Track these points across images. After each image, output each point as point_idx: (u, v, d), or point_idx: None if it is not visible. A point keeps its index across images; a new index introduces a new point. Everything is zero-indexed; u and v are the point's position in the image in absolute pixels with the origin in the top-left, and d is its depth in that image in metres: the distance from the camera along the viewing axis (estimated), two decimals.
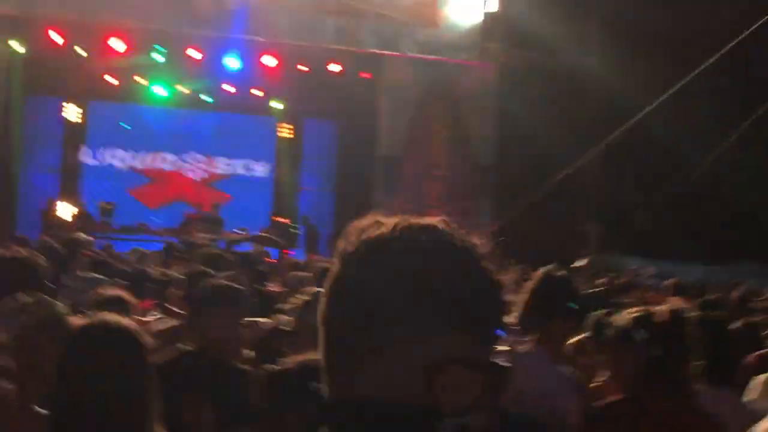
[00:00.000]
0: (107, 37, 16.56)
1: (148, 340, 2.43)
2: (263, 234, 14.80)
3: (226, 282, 3.98)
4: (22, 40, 16.53)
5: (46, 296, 3.46)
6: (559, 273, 3.42)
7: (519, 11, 16.16)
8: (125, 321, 2.49)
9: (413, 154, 17.09)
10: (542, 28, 15.21)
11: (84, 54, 17.55)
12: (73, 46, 16.97)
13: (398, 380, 1.02)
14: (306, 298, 3.84)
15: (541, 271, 3.39)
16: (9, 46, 16.17)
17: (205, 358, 3.55)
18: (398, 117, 17.11)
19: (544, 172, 16.43)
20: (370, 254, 1.09)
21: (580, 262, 10.08)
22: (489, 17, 16.84)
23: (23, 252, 4.50)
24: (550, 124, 15.50)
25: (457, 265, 1.06)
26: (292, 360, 2.51)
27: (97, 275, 6.10)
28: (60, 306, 3.33)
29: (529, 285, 3.41)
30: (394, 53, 16.76)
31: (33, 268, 4.03)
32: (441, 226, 1.10)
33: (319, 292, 3.31)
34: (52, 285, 4.41)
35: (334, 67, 17.59)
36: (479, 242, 1.08)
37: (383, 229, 1.12)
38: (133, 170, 21.86)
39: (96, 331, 2.38)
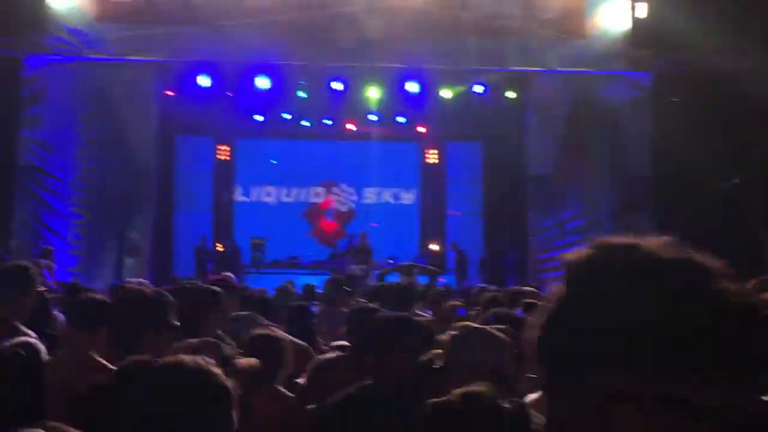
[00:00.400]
0: (252, 77, 17.32)
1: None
2: (413, 264, 14.98)
3: (402, 315, 4.03)
4: (173, 83, 17.53)
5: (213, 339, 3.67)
6: None
7: (669, 15, 15.74)
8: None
9: (565, 170, 16.90)
10: (696, 30, 14.76)
11: (230, 94, 18.46)
12: (219, 87, 17.85)
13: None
14: (455, 332, 3.62)
15: None
16: (160, 90, 17.17)
17: (379, 393, 3.51)
18: (547, 134, 16.99)
19: (705, 180, 15.90)
20: (616, 276, 1.01)
21: None
22: (638, 23, 16.47)
23: (147, 290, 4.81)
24: (708, 131, 15.00)
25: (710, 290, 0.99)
26: (454, 394, 2.46)
27: (250, 313, 6.22)
28: (227, 348, 3.54)
29: None
30: (540, 69, 16.68)
31: (157, 304, 4.22)
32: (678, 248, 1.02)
33: (475, 327, 3.30)
34: (193, 323, 4.57)
35: (478, 89, 17.71)
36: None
37: (636, 251, 1.04)
38: (283, 205, 22.64)
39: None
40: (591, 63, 16.54)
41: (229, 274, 10.43)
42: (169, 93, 17.77)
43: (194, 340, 3.45)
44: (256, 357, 4.02)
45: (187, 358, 2.33)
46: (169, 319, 4.12)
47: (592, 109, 16.84)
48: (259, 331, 4.68)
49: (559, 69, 16.55)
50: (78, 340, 4.29)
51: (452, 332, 3.34)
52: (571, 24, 16.55)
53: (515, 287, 7.67)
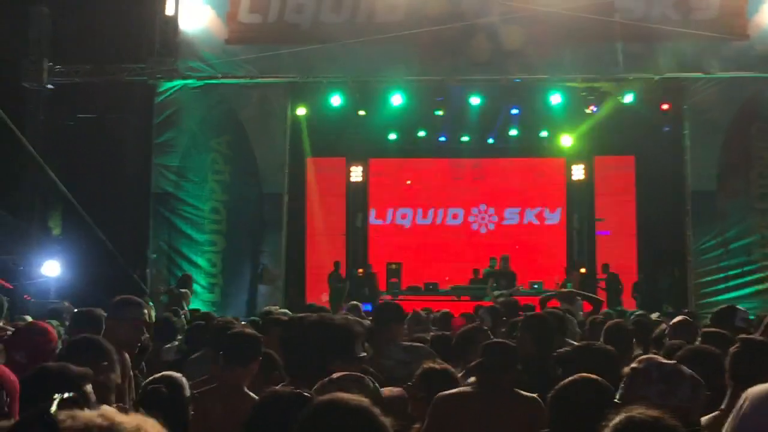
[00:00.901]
0: (385, 94, 17.29)
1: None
2: (572, 290, 14.38)
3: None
4: (304, 104, 17.71)
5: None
6: None
7: None
8: None
9: (729, 185, 16.00)
10: None
11: (364, 113, 18.50)
12: (352, 106, 17.92)
13: None
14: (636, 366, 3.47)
15: None
16: (292, 111, 17.36)
17: None
18: (708, 145, 16.11)
19: None
20: None
21: None
22: None
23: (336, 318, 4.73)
24: None
25: None
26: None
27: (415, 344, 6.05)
28: (368, 380, 3.46)
29: None
30: (699, 74, 15.90)
31: (347, 334, 4.19)
32: None
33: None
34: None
35: (628, 98, 17.07)
36: None
37: None
38: (419, 227, 22.48)
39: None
40: (755, 66, 15.66)
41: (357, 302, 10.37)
42: (301, 113, 17.92)
43: (338, 374, 3.38)
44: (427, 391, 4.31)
45: (346, 396, 2.30)
46: (356, 351, 4.11)
47: (757, 117, 15.92)
48: (431, 365, 4.73)
49: (719, 74, 15.74)
50: (230, 376, 4.56)
51: (633, 365, 3.14)
52: (732, 24, 15.72)
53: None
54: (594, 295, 12.59)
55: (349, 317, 5.54)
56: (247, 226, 16.76)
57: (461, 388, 4.63)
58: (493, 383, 4.58)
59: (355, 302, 9.90)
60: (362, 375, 3.51)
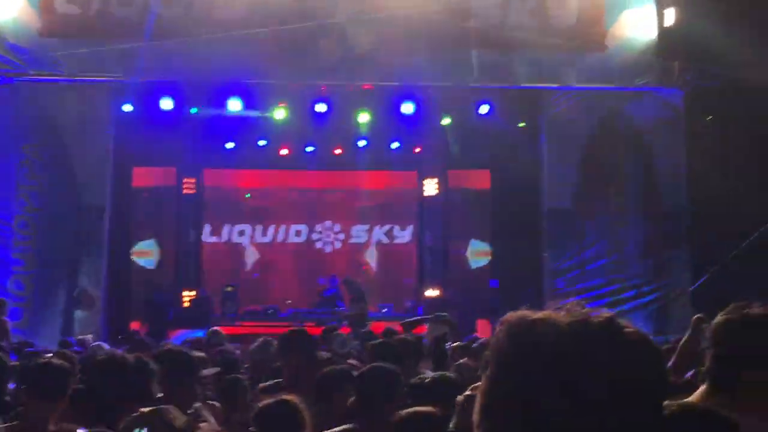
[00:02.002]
0: (222, 98, 17.03)
1: None
2: (444, 315, 14.53)
3: None
4: (131, 108, 17.22)
5: None
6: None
7: (701, 21, 15.61)
8: None
9: (587, 203, 16.63)
10: (732, 38, 14.60)
11: (196, 117, 18.14)
12: (184, 111, 17.56)
13: None
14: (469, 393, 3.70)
15: None
16: (116, 115, 16.84)
17: None
18: (565, 160, 16.72)
19: (746, 214, 15.65)
20: None
21: None
22: (666, 33, 16.30)
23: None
24: (751, 155, 14.80)
25: None
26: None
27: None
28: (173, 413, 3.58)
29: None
30: (556, 86, 16.46)
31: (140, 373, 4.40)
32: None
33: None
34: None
35: (484, 109, 17.47)
36: None
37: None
38: (258, 246, 22.27)
39: None
40: (614, 78, 16.33)
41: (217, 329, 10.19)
42: (127, 117, 17.40)
43: (146, 410, 3.53)
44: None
45: None
46: (152, 390, 4.25)
47: (616, 132, 16.63)
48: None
49: (577, 86, 16.34)
50: (35, 411, 4.44)
51: (467, 393, 3.39)
52: (590, 35, 16.33)
53: None
54: (452, 320, 12.78)
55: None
56: (62, 243, 16.11)
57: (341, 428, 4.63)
58: (374, 418, 4.55)
59: (215, 329, 9.67)
60: (168, 408, 3.61)
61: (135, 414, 3.48)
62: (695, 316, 5.60)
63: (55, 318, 16.04)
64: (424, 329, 10.97)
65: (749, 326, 2.91)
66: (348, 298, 18.54)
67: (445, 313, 13.80)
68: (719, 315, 3.06)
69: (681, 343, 5.60)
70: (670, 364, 5.03)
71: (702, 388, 3.00)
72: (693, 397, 2.90)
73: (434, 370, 7.04)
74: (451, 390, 4.33)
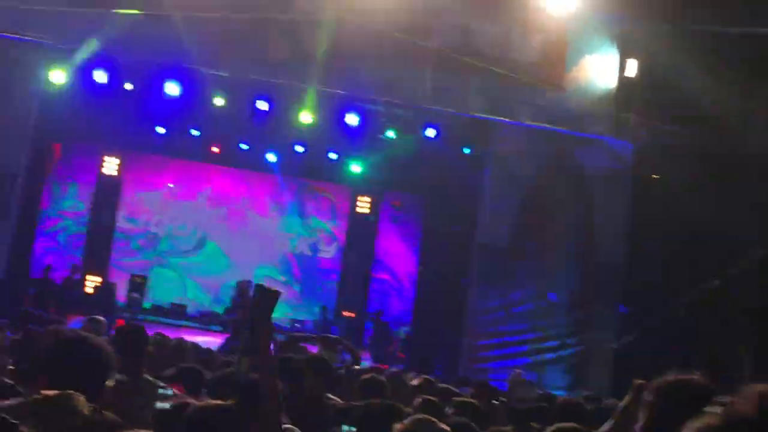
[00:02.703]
0: (160, 79, 16.94)
1: None
2: (336, 337, 14.56)
3: None
4: (61, 74, 17.00)
5: None
6: None
7: (663, 76, 16.05)
8: None
9: (521, 244, 16.95)
10: (693, 97, 15.06)
11: (129, 95, 17.96)
12: (117, 87, 17.40)
13: None
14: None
15: None
16: (44, 81, 16.58)
17: None
18: (506, 197, 17.04)
19: (681, 279, 16.09)
20: None
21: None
22: (625, 83, 16.76)
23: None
24: (699, 217, 15.22)
25: None
26: None
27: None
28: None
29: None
30: (507, 120, 16.77)
31: None
32: None
33: None
34: None
35: (430, 132, 17.69)
36: None
37: None
38: (173, 238, 22.17)
39: None
40: (567, 121, 16.68)
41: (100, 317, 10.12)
42: (56, 84, 17.18)
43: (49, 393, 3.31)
44: None
45: None
46: None
47: (561, 176, 16.97)
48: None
49: (530, 123, 16.67)
50: None
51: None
52: (550, 74, 16.69)
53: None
54: (354, 348, 12.85)
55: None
56: None
57: None
58: None
59: (97, 317, 9.61)
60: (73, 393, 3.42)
61: (36, 396, 3.28)
62: (637, 382, 5.83)
63: None
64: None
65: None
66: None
67: (337, 336, 13.86)
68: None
69: (622, 405, 5.81)
70: (607, 427, 5.22)
71: None
72: None
73: None
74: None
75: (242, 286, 18.15)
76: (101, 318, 9.88)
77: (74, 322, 15.24)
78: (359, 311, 21.57)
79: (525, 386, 7.08)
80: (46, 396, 3.27)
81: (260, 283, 5.16)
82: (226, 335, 16.99)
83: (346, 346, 11.02)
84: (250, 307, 3.77)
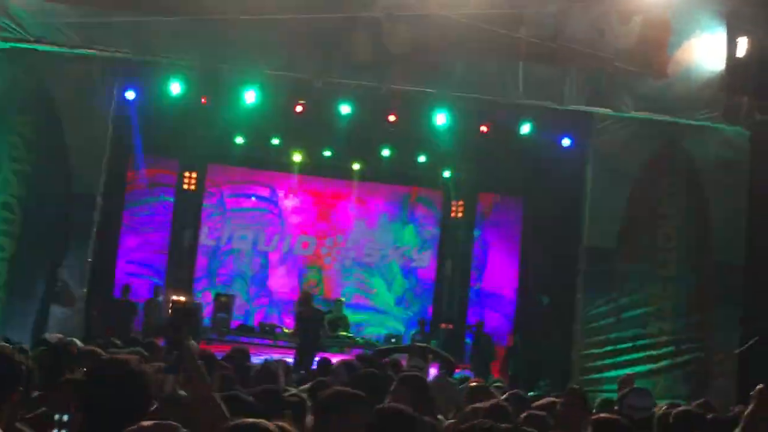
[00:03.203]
0: (238, 88, 16.93)
1: None
2: (425, 345, 14.37)
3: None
4: (135, 88, 17.15)
5: None
6: None
7: None
8: None
9: (632, 245, 16.48)
10: None
11: (206, 106, 18.02)
12: (194, 98, 17.46)
13: None
14: None
15: None
16: (119, 95, 16.73)
17: None
18: (611, 194, 16.55)
19: None
20: None
21: None
22: (735, 65, 16.20)
23: None
24: None
25: None
26: None
27: None
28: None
29: None
30: (608, 110, 16.35)
31: None
32: None
33: None
34: None
35: (525, 128, 17.36)
36: None
37: None
38: (260, 254, 22.18)
39: None
40: (673, 109, 16.22)
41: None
42: (131, 98, 17.32)
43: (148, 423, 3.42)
44: None
45: None
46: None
47: (670, 168, 16.51)
48: None
49: (631, 113, 16.23)
50: None
51: None
52: (652, 59, 16.21)
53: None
54: (447, 355, 12.58)
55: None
56: (48, 230, 15.98)
57: None
58: None
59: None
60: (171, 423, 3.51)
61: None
62: (761, 387, 5.46)
63: (29, 314, 15.89)
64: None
65: None
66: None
67: (425, 344, 13.55)
68: None
69: (746, 414, 5.46)
70: None
71: None
72: None
73: None
74: None
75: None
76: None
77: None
78: (457, 323, 21.30)
79: (638, 393, 6.71)
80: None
81: (175, 299, 5.47)
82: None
83: (437, 355, 10.83)
84: (168, 325, 4.13)
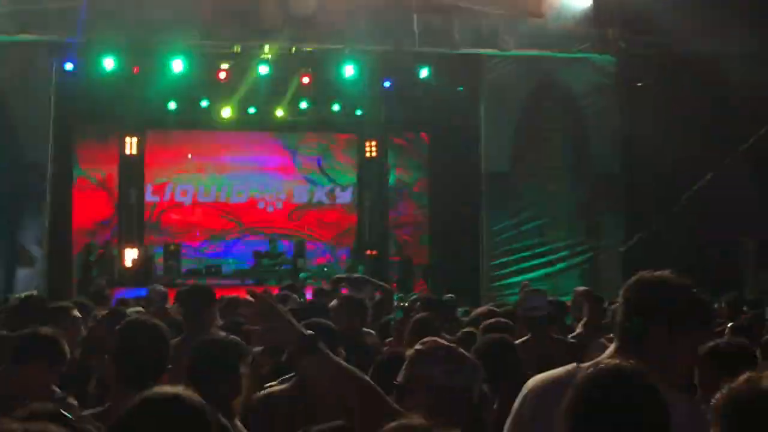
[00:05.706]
0: (165, 58, 16.87)
1: None
2: (366, 277, 14.48)
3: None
4: (72, 66, 16.99)
5: None
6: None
7: None
8: None
9: (523, 165, 16.91)
10: (669, 8, 14.87)
11: (140, 79, 17.94)
12: (127, 71, 17.36)
13: None
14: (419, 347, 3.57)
15: None
16: (58, 73, 16.56)
17: None
18: (502, 124, 16.92)
19: (679, 179, 16.10)
20: None
21: None
22: (603, 1, 16.60)
23: None
24: (683, 123, 15.16)
25: None
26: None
27: None
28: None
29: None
30: (494, 51, 16.65)
31: None
32: None
33: None
34: None
35: (424, 73, 17.59)
36: None
37: None
38: (200, 206, 22.23)
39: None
40: (549, 45, 16.57)
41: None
42: (69, 76, 17.14)
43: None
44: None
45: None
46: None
47: (552, 97, 16.92)
48: None
49: (514, 51, 16.54)
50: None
51: (418, 347, 3.18)
52: (528, 2, 16.53)
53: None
54: (384, 284, 12.80)
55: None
56: (4, 199, 15.90)
57: None
58: None
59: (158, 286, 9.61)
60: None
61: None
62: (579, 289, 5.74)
63: None
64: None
65: (657, 285, 2.95)
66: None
67: (366, 276, 13.78)
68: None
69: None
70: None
71: (611, 347, 2.97)
72: (603, 356, 2.92)
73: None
74: None
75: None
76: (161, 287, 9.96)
77: (117, 295, 15.29)
78: (381, 250, 21.62)
79: (535, 295, 6.97)
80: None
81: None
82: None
83: (375, 284, 10.97)
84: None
